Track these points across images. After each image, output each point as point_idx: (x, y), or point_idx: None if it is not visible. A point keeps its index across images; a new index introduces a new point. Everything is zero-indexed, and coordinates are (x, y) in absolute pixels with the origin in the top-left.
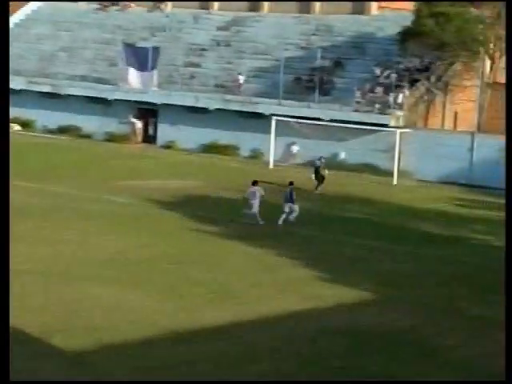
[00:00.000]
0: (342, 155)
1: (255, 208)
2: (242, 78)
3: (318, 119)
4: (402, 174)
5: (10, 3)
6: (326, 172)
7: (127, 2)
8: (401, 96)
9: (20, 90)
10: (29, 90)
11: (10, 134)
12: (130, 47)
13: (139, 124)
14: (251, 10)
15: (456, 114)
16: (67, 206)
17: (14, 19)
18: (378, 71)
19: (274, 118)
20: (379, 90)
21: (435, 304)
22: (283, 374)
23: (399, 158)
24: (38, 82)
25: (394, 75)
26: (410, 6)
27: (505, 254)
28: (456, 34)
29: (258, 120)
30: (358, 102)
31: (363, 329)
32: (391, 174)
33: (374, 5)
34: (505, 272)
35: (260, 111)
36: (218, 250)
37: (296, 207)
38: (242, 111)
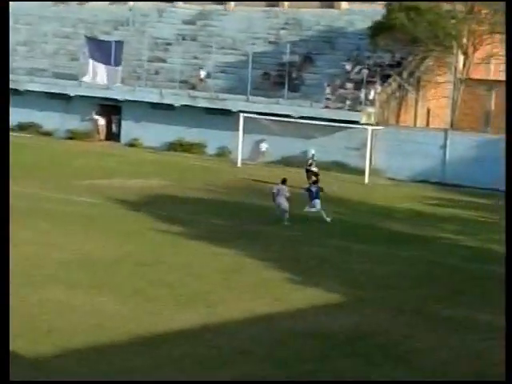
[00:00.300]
0: (312, 153)
1: (284, 206)
2: (203, 74)
3: (288, 116)
4: (374, 172)
5: None
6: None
7: None
8: (372, 92)
9: None
10: None
11: None
12: (93, 41)
13: (102, 121)
14: (218, 3)
15: (429, 110)
16: (28, 207)
17: None
18: (348, 67)
19: (242, 114)
20: (350, 85)
21: (407, 305)
22: (254, 378)
23: (370, 156)
24: None
25: (365, 71)
26: None
27: (505, 254)
28: (428, 28)
29: (226, 117)
30: (328, 99)
31: (334, 331)
32: (362, 173)
33: None
34: (505, 272)
35: (227, 108)
36: (185, 251)
37: (318, 202)
38: (208, 108)
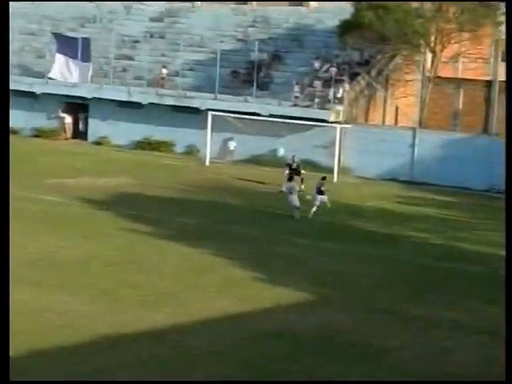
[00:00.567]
0: (281, 151)
1: (296, 202)
2: (165, 72)
3: (256, 114)
4: (343, 170)
5: None
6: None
7: None
8: (341, 90)
9: None
10: None
11: None
12: (60, 37)
13: (69, 119)
14: (186, 0)
15: (397, 108)
16: None
17: None
18: (317, 65)
19: (210, 112)
20: (318, 84)
21: (375, 304)
22: (220, 379)
23: (339, 155)
24: None
25: (333, 69)
26: None
27: (505, 254)
28: (396, 26)
29: (194, 115)
30: (296, 97)
31: (303, 331)
32: (331, 171)
33: None
34: (505, 272)
35: (195, 106)
36: (152, 251)
37: (325, 197)
38: (176, 106)
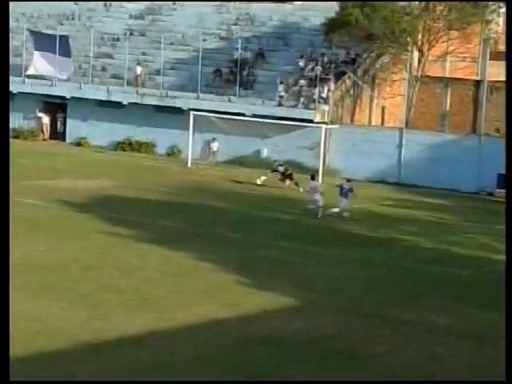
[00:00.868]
0: (265, 152)
1: (319, 202)
2: (139, 69)
3: (240, 114)
4: (328, 172)
5: None
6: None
7: None
8: (326, 90)
9: None
10: None
11: None
12: (37, 34)
13: (46, 119)
14: None
15: (384, 108)
16: None
17: None
18: (302, 63)
19: (193, 112)
20: (304, 83)
21: (363, 309)
22: None
23: (324, 156)
24: None
25: (318, 68)
26: None
27: (505, 255)
28: (383, 24)
29: (176, 115)
30: (281, 97)
31: (288, 336)
32: (317, 173)
33: None
34: (505, 272)
35: (177, 105)
36: (134, 255)
37: (348, 203)
38: (158, 106)
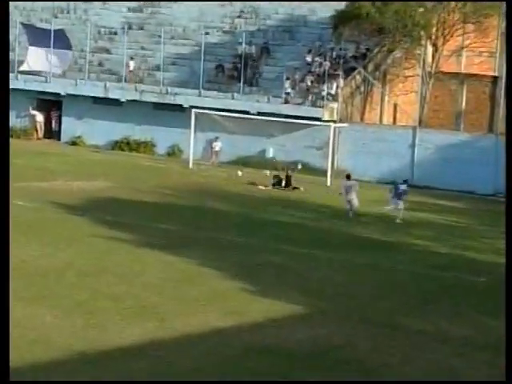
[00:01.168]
0: (271, 152)
1: (355, 201)
2: (132, 64)
3: (244, 112)
4: (337, 173)
5: None
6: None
7: None
8: (335, 86)
9: None
10: None
11: None
12: (31, 28)
13: (40, 117)
14: None
15: (396, 106)
16: None
17: None
18: (309, 58)
19: (194, 110)
20: (311, 79)
21: (372, 317)
22: None
23: (333, 156)
24: None
25: (327, 63)
26: None
27: (505, 255)
28: (395, 17)
29: (176, 113)
30: (287, 94)
31: (294, 346)
32: (325, 174)
33: None
34: (505, 273)
35: (178, 103)
36: (132, 260)
37: (402, 205)
38: (157, 103)
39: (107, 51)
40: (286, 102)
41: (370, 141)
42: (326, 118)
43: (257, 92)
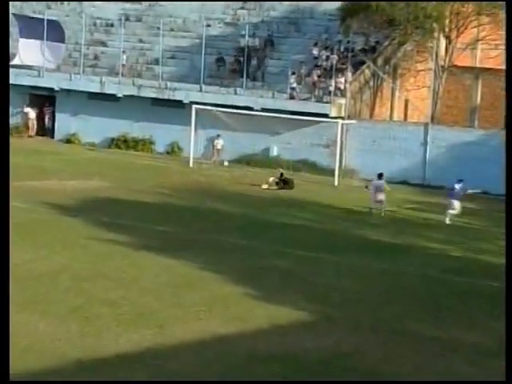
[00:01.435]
0: (275, 151)
1: (383, 201)
2: (124, 58)
3: (247, 108)
4: (345, 172)
5: None
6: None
7: None
8: (343, 81)
9: None
10: None
11: None
12: (24, 19)
13: (33, 114)
14: None
15: (407, 102)
16: None
17: None
18: (316, 52)
19: (195, 106)
20: (318, 73)
21: (382, 324)
22: None
23: (341, 154)
24: None
25: (334, 57)
26: None
27: (505, 255)
28: (406, 9)
29: (176, 109)
30: (293, 89)
31: (300, 354)
32: (332, 173)
33: None
34: (505, 272)
35: (178, 98)
36: (129, 264)
37: (459, 206)
38: (156, 98)
39: (103, 44)
40: (292, 97)
41: (380, 138)
42: (334, 114)
43: (261, 87)
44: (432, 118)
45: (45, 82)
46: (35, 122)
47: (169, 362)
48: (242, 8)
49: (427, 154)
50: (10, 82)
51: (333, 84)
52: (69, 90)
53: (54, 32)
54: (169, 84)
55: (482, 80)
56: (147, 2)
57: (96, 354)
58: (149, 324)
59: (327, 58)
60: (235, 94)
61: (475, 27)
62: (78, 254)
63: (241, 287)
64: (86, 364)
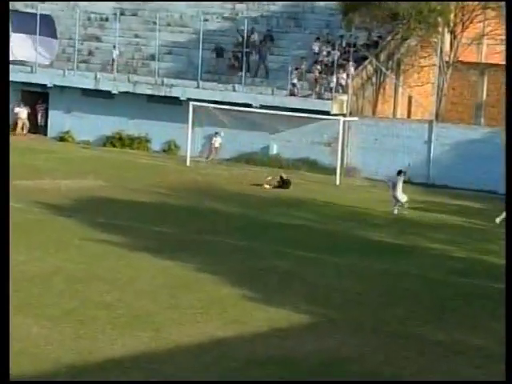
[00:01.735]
0: (275, 149)
1: (401, 197)
2: (115, 53)
3: (246, 105)
4: (347, 171)
5: None
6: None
7: None
8: (345, 77)
9: None
10: None
11: None
12: (15, 13)
13: (24, 113)
14: None
15: (410, 98)
16: None
17: None
18: (317, 47)
19: (192, 103)
20: (319, 69)
21: (384, 327)
22: None
23: (343, 152)
24: None
25: (336, 52)
26: None
27: (505, 255)
28: (410, 3)
29: (173, 106)
30: (293, 85)
31: (301, 357)
32: (334, 172)
33: None
34: (505, 273)
35: (175, 95)
36: (124, 265)
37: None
38: (152, 95)
39: (98, 39)
40: (292, 94)
41: (383, 136)
42: (335, 111)
43: (260, 83)
44: (436, 116)
45: (37, 78)
46: (27, 122)
47: (165, 366)
48: (241, 2)
49: (431, 153)
50: None
51: (334, 80)
52: (62, 87)
53: (47, 27)
54: (165, 80)
55: (488, 76)
56: None
57: (90, 357)
58: (145, 327)
59: (328, 53)
60: (233, 90)
61: (481, 22)
62: (72, 255)
63: (239, 289)
64: (80, 368)
